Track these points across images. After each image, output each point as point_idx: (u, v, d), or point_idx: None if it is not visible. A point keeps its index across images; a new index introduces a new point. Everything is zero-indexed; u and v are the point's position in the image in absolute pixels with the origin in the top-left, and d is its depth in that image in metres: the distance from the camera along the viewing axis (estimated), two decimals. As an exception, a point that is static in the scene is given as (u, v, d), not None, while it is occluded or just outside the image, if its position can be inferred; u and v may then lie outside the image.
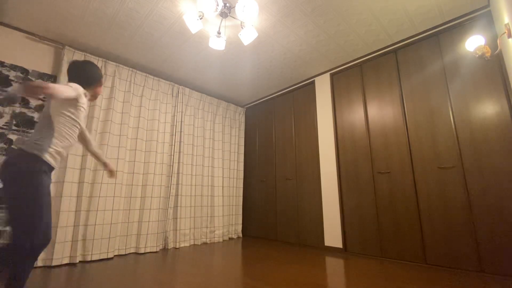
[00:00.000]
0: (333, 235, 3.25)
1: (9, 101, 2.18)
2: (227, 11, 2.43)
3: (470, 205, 2.31)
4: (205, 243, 3.82)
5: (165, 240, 3.45)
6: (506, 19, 1.78)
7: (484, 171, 2.27)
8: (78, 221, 2.73)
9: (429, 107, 2.69)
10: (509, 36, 1.67)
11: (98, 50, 3.20)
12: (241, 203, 4.52)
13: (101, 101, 3.09)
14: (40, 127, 1.38)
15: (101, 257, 2.80)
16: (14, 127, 2.68)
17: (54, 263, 2.49)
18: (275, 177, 4.17)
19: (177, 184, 3.69)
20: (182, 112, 3.93)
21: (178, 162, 3.75)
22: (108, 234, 2.89)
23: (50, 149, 1.35)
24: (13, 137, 2.66)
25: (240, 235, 4.41)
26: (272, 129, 4.42)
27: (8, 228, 2.37)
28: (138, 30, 2.83)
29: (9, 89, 2.41)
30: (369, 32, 2.86)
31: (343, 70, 3.53)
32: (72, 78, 1.58)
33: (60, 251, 2.55)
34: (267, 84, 4.18)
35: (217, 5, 2.15)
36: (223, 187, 4.32)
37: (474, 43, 1.96)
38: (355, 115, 3.29)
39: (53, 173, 2.66)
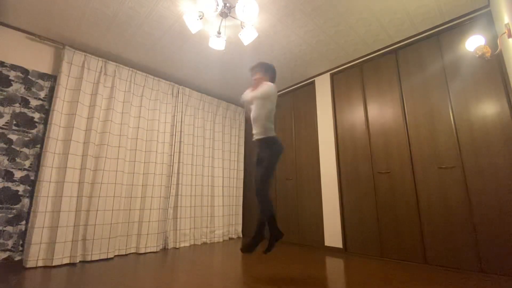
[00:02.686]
0: (333, 235, 3.25)
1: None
2: (227, 11, 2.43)
3: (470, 205, 2.31)
4: (205, 243, 3.82)
5: (165, 240, 3.45)
6: (506, 19, 1.78)
7: (484, 171, 2.27)
8: (79, 221, 2.73)
9: (429, 107, 2.69)
10: (509, 36, 1.67)
11: (98, 50, 3.20)
12: (241, 203, 4.52)
13: (101, 101, 3.09)
14: None
15: (101, 257, 2.80)
16: (14, 127, 2.68)
17: (55, 263, 2.49)
18: (275, 177, 4.17)
19: (177, 184, 3.69)
20: (182, 112, 3.93)
21: (178, 162, 3.75)
22: (108, 234, 2.89)
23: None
24: (13, 137, 2.66)
25: (240, 235, 4.41)
26: (272, 129, 4.41)
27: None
28: (138, 30, 2.83)
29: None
30: (369, 32, 2.86)
31: (343, 70, 3.53)
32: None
33: (60, 251, 2.55)
34: (267, 84, 4.17)
35: (217, 5, 2.15)
36: (223, 187, 4.32)
37: (474, 43, 1.96)
38: (355, 115, 3.29)
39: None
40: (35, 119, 2.83)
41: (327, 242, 3.29)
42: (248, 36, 2.49)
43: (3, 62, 2.70)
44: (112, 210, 2.98)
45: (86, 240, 2.75)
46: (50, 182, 2.63)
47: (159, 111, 3.62)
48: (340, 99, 3.51)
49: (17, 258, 2.54)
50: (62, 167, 2.73)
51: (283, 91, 4.33)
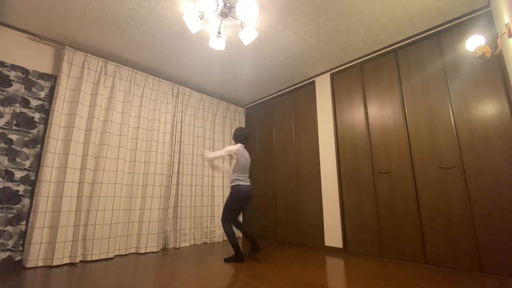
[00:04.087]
0: (333, 235, 3.25)
1: None
2: (227, 11, 2.43)
3: (470, 205, 2.31)
4: (205, 243, 3.82)
5: (165, 240, 3.45)
6: (506, 19, 1.78)
7: (484, 171, 2.27)
8: (79, 221, 2.73)
9: (429, 107, 2.69)
10: (509, 36, 1.67)
11: (99, 50, 3.20)
12: (241, 203, 4.52)
13: (101, 101, 3.10)
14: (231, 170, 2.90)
15: (102, 257, 2.80)
16: (14, 127, 2.69)
17: (55, 263, 2.49)
18: (275, 177, 4.17)
19: (177, 184, 3.69)
20: (182, 112, 3.93)
21: (179, 162, 3.75)
22: (108, 234, 2.89)
23: (234, 178, 2.85)
24: (13, 137, 2.66)
25: (240, 235, 4.41)
26: (272, 129, 4.42)
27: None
28: (138, 30, 2.83)
29: None
30: (369, 32, 2.86)
31: (343, 70, 3.53)
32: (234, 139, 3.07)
33: (60, 251, 2.55)
34: (267, 84, 4.18)
35: (217, 5, 2.15)
36: (223, 187, 4.32)
37: (474, 43, 1.96)
38: (355, 115, 3.29)
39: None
40: (36, 119, 2.83)
41: (327, 242, 3.29)
42: (248, 36, 2.49)
43: (4, 62, 2.70)
44: (112, 210, 2.98)
45: (86, 240, 2.75)
46: (50, 182, 2.64)
47: (159, 111, 3.62)
48: (340, 99, 3.51)
49: (18, 258, 2.55)
50: (62, 167, 2.73)
51: (283, 91, 4.34)
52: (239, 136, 3.01)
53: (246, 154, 2.94)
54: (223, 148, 2.90)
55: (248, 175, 2.91)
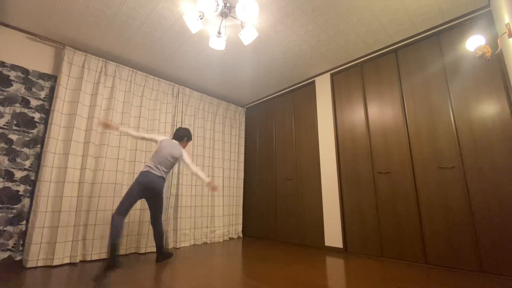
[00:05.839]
0: (333, 235, 3.25)
1: None
2: (227, 11, 2.43)
3: (470, 205, 2.31)
4: (205, 243, 3.82)
5: (165, 240, 3.44)
6: (506, 19, 1.77)
7: (484, 171, 2.27)
8: (79, 221, 2.73)
9: (429, 107, 2.69)
10: (509, 36, 1.67)
11: (99, 50, 3.20)
12: (241, 203, 4.52)
13: (101, 101, 3.10)
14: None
15: (101, 257, 2.80)
16: (14, 127, 2.69)
17: (55, 262, 2.49)
18: (275, 177, 4.17)
19: (178, 184, 3.69)
20: (182, 112, 3.93)
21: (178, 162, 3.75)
22: (108, 234, 2.89)
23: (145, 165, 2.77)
24: (13, 137, 2.66)
25: (241, 235, 4.41)
26: (272, 129, 4.42)
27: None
28: (138, 30, 2.83)
29: None
30: (369, 32, 2.86)
31: (344, 70, 3.53)
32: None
33: (60, 250, 2.55)
34: (267, 84, 4.18)
35: (217, 5, 2.15)
36: (223, 187, 4.32)
37: (474, 43, 1.96)
38: (356, 115, 3.29)
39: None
40: (36, 119, 2.83)
41: (327, 242, 3.29)
42: (248, 36, 2.49)
43: (4, 62, 2.70)
44: (112, 210, 2.98)
45: (86, 240, 2.75)
46: (50, 182, 2.64)
47: (159, 111, 3.62)
48: (340, 99, 3.51)
49: (18, 258, 2.55)
50: (62, 167, 2.73)
51: (283, 91, 4.34)
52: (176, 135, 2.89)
53: (171, 150, 2.66)
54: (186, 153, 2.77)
55: (161, 168, 2.59)
